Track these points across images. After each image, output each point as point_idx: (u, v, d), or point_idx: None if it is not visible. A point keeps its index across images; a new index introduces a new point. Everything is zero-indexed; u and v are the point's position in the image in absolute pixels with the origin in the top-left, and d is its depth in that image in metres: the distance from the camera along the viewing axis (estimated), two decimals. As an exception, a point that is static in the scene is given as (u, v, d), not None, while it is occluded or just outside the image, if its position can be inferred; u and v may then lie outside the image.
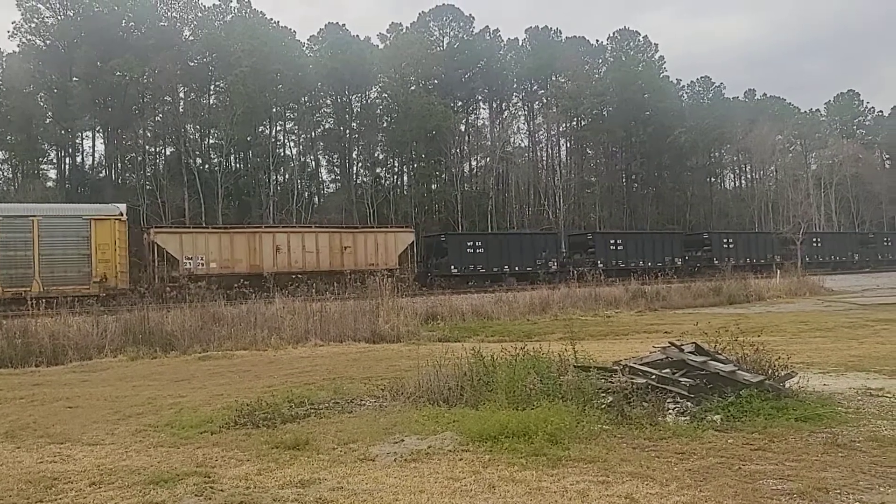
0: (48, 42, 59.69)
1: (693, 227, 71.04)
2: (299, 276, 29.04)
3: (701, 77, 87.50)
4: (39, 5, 59.24)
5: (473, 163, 73.33)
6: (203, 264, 34.85)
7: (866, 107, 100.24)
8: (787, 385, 8.37)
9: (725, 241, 56.64)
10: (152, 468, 6.24)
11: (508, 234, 55.39)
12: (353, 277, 27.74)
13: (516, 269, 44.96)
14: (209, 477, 5.87)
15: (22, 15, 58.96)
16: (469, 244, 46.01)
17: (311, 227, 43.06)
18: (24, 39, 59.24)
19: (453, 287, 37.33)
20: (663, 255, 52.13)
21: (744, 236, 61.22)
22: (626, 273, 41.95)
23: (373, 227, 43.18)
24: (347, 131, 68.72)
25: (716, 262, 49.74)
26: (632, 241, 52.52)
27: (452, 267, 43.93)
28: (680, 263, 51.37)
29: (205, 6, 65.78)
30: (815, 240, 59.67)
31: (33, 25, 59.22)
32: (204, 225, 42.65)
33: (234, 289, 21.95)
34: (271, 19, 66.25)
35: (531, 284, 36.94)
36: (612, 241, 51.89)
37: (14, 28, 58.99)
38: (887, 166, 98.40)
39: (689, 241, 56.67)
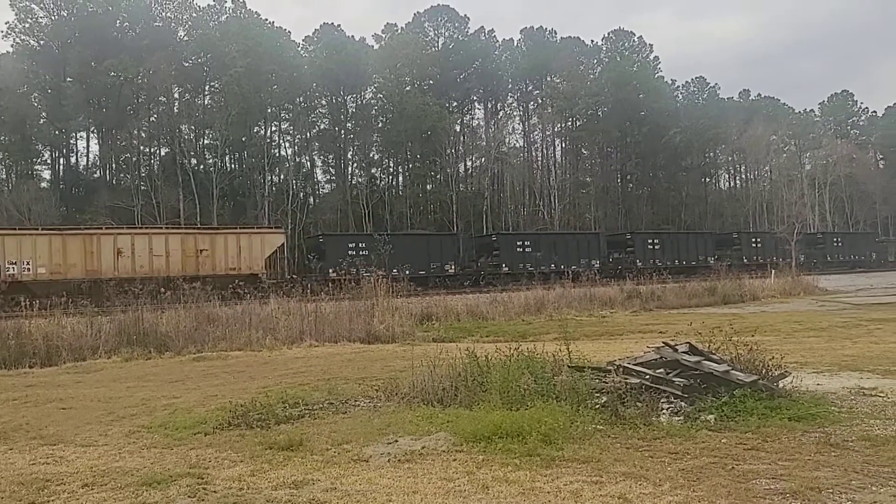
0: (42, 42, 59.61)
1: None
2: (145, 282, 27.11)
3: (695, 77, 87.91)
4: (33, 5, 59.15)
5: (468, 163, 73.39)
6: (29, 269, 32.46)
7: (860, 107, 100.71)
8: (781, 385, 8.39)
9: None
10: (145, 469, 6.22)
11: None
12: (213, 284, 26.30)
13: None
14: (202, 478, 5.86)
15: (16, 15, 58.96)
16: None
17: (161, 227, 40.99)
18: (17, 40, 59.25)
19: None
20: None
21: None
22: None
23: (235, 228, 40.09)
24: (342, 132, 68.70)
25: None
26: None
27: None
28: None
29: (199, 6, 65.84)
30: (754, 240, 57.67)
31: (27, 26, 59.13)
32: (34, 226, 39.20)
33: (63, 297, 19.56)
34: (266, 20, 66.27)
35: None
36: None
37: (8, 28, 59.09)
38: (881, 166, 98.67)
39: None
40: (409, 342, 18.02)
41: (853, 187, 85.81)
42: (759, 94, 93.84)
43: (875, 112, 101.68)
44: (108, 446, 7.28)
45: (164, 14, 64.53)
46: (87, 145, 63.10)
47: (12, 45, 59.43)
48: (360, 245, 42.96)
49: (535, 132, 77.61)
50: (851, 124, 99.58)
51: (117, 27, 61.44)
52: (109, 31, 59.72)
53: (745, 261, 52.70)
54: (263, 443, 7.00)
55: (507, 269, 45.44)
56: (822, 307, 27.84)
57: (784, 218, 66.35)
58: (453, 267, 45.97)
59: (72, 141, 61.92)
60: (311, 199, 67.59)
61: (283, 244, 39.59)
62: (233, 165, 64.35)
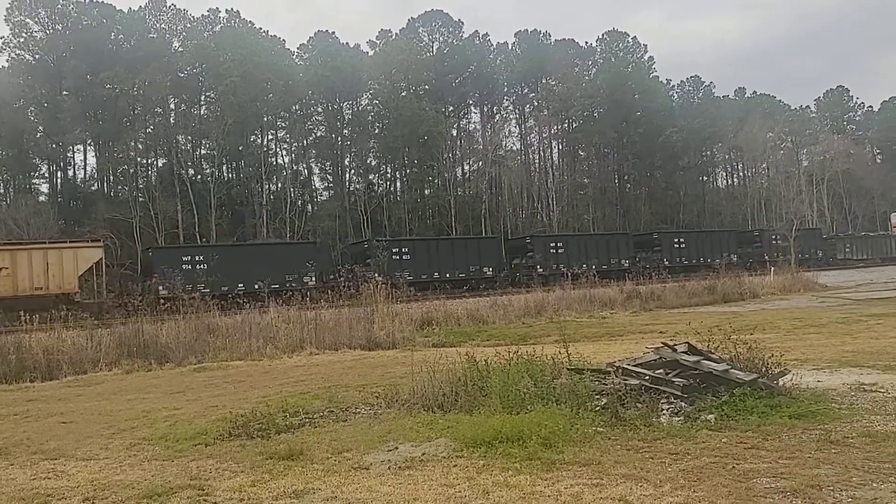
0: (37, 56, 59.70)
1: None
2: None
3: (690, 76, 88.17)
4: (28, 20, 59.26)
5: (466, 167, 73.53)
6: None
7: (856, 102, 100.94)
8: (781, 383, 8.38)
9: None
10: (146, 482, 6.21)
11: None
12: (13, 306, 24.03)
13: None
14: (203, 489, 5.86)
15: (10, 30, 59.11)
16: (552, 245, 48.77)
17: None
18: (13, 54, 59.35)
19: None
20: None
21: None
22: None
23: (43, 242, 34.83)
24: (339, 138, 68.78)
25: (766, 258, 53.36)
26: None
27: (539, 267, 46.14)
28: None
29: (193, 17, 65.95)
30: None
31: (22, 40, 59.26)
32: None
33: None
34: (260, 29, 66.49)
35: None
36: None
37: (3, 43, 59.18)
38: (878, 161, 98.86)
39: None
40: (410, 348, 18.01)
41: (851, 183, 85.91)
42: (755, 92, 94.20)
43: (871, 107, 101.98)
44: (108, 459, 7.27)
45: (158, 26, 64.68)
46: (85, 158, 63.25)
47: (8, 60, 59.66)
48: (197, 258, 38.16)
49: (532, 135, 77.82)
50: (848, 120, 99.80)
51: (112, 39, 61.53)
52: (104, 44, 59.81)
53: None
54: (264, 453, 6.99)
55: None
56: (822, 303, 27.83)
57: (783, 215, 66.50)
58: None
59: (69, 154, 62.03)
60: (310, 207, 67.62)
61: (100, 259, 34.07)
62: (230, 175, 64.42)
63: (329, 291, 26.47)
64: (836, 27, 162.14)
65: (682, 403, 7.76)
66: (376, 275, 42.14)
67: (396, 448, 6.89)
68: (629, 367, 8.41)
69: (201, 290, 29.62)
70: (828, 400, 8.12)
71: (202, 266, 37.40)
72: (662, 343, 9.13)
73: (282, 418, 8.66)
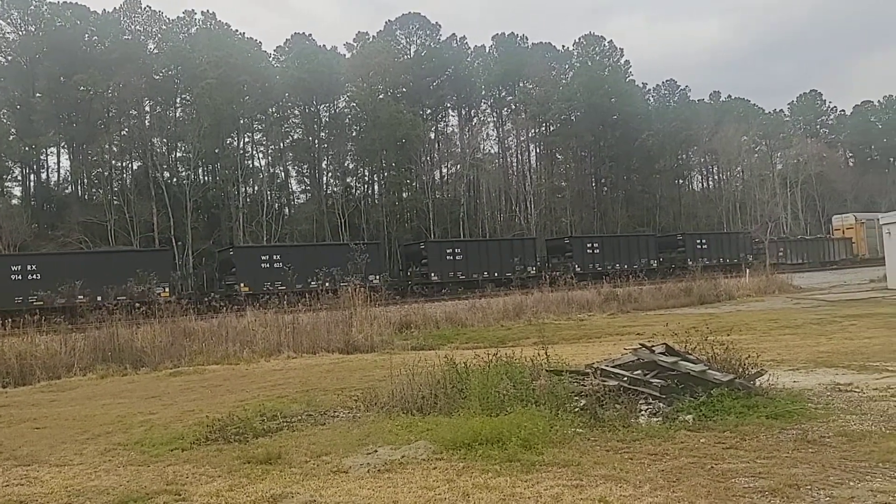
0: (10, 58, 58.90)
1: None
2: None
3: (666, 80, 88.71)
4: (0, 21, 58.43)
5: (444, 170, 73.53)
6: None
7: (829, 106, 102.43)
8: (757, 383, 8.45)
9: (699, 242, 59.06)
10: (122, 488, 6.13)
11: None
12: None
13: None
14: (180, 495, 5.79)
15: (-18, 32, 58.14)
16: (588, 245, 51.80)
17: None
18: (-15, 56, 58.38)
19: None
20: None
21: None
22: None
23: None
24: (316, 141, 68.48)
25: (689, 263, 52.37)
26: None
27: (576, 266, 48.37)
28: (655, 264, 54.01)
29: (169, 19, 65.36)
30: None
31: (-6, 42, 58.39)
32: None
33: None
34: (236, 31, 65.96)
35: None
36: (698, 241, 57.29)
37: (-26, 45, 58.14)
38: (851, 164, 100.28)
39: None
40: (388, 351, 17.93)
41: (824, 185, 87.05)
42: (730, 96, 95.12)
43: (843, 111, 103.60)
44: (83, 465, 7.16)
45: (133, 27, 64.00)
46: (58, 161, 62.33)
47: (-21, 62, 58.72)
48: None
49: (510, 138, 77.93)
50: (821, 123, 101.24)
51: (86, 41, 60.82)
52: (78, 46, 59.10)
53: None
54: (241, 457, 6.93)
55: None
56: (796, 305, 28.11)
57: (757, 217, 67.26)
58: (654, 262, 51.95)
59: (42, 157, 61.09)
60: (287, 210, 67.25)
61: None
62: (206, 178, 63.87)
63: (307, 295, 26.38)
64: (809, 33, 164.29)
65: (661, 404, 7.80)
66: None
67: (375, 451, 6.85)
68: (607, 369, 8.44)
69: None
70: (804, 400, 8.20)
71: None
72: (640, 344, 9.16)
73: (259, 422, 8.59)
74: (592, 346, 16.31)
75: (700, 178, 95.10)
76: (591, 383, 8.02)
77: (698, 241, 57.52)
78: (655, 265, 52.20)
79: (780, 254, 61.40)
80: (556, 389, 7.93)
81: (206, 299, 28.49)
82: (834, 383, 9.25)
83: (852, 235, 71.16)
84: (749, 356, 8.76)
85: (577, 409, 7.66)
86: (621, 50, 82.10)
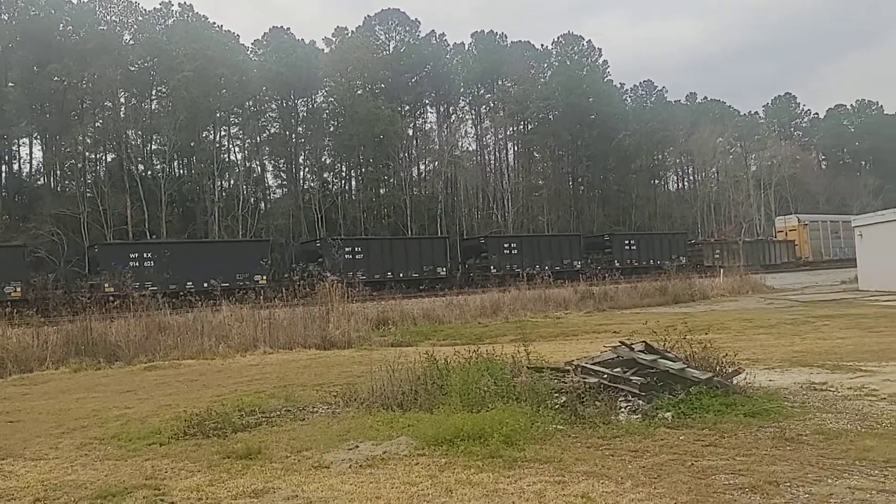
0: (-19, 46, 57.87)
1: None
2: None
3: (644, 81, 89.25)
4: (-28, 9, 57.40)
5: (422, 167, 73.40)
6: None
7: (803, 109, 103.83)
8: (735, 381, 8.53)
9: (628, 243, 57.49)
10: (99, 482, 6.06)
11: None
12: None
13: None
14: (159, 489, 5.73)
15: (-46, 19, 57.07)
16: (505, 246, 49.51)
17: None
18: (-44, 44, 57.30)
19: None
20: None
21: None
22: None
23: None
24: (293, 136, 68.06)
25: (617, 264, 51.44)
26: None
27: (492, 267, 46.43)
28: (579, 265, 50.91)
29: (145, 10, 64.56)
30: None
31: (-35, 29, 57.31)
32: None
33: None
34: (214, 23, 65.35)
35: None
36: (626, 242, 55.61)
37: (-55, 32, 57.06)
38: (824, 167, 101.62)
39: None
40: (366, 347, 17.95)
41: (797, 188, 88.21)
42: (706, 98, 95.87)
43: (817, 114, 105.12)
44: (59, 459, 7.07)
45: (108, 18, 63.11)
46: (31, 152, 61.34)
47: (-50, 50, 57.62)
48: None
49: (488, 136, 78.04)
50: (795, 126, 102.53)
51: (60, 31, 59.86)
52: (52, 35, 58.12)
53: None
54: (221, 452, 6.87)
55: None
56: (770, 305, 28.44)
57: (731, 218, 67.97)
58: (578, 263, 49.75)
59: (14, 147, 60.10)
60: (263, 205, 66.76)
61: None
62: (181, 171, 63.18)
63: (283, 290, 26.11)
64: (784, 37, 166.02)
65: (640, 401, 7.85)
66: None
67: (357, 447, 6.83)
68: (588, 366, 8.48)
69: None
70: (780, 398, 8.29)
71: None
72: (620, 342, 9.21)
73: (238, 417, 8.53)
74: (570, 344, 16.39)
75: (675, 178, 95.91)
76: (571, 380, 8.07)
77: (626, 242, 55.58)
78: (579, 266, 48.55)
79: (717, 256, 58.01)
80: (536, 386, 7.96)
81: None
82: (809, 382, 9.37)
83: (795, 238, 68.70)
84: (726, 355, 8.84)
85: (557, 406, 7.69)
86: (599, 50, 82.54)
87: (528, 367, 8.67)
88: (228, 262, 38.28)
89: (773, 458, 5.95)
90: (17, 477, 6.46)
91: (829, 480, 5.36)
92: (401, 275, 43.99)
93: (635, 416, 7.53)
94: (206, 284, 33.85)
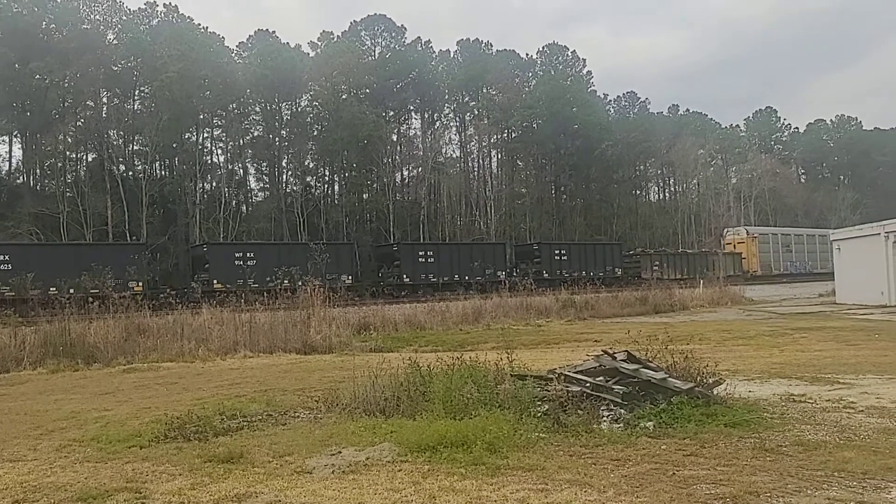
0: (-37, 43, 57.19)
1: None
2: None
3: (627, 92, 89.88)
4: (-46, 5, 56.78)
5: (405, 172, 73.40)
6: None
7: (783, 123, 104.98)
8: (716, 392, 8.59)
9: (557, 253, 56.13)
10: (80, 484, 6.00)
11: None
12: None
13: (466, 278, 45.63)
14: (140, 492, 5.69)
15: (-65, 14, 56.39)
16: (420, 253, 47.05)
17: None
18: (-64, 39, 56.60)
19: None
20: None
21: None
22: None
23: None
24: (277, 139, 67.81)
25: (545, 275, 50.21)
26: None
27: (405, 276, 45.11)
28: (503, 276, 48.11)
29: (130, 10, 64.12)
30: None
31: (-53, 25, 56.65)
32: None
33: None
34: (199, 24, 64.99)
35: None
36: (557, 252, 53.98)
37: (-74, 27, 56.36)
38: (803, 181, 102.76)
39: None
40: (347, 352, 17.91)
41: (777, 201, 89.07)
42: (688, 110, 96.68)
43: (797, 128, 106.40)
44: (38, 461, 7.00)
45: (92, 17, 62.57)
46: (10, 150, 60.58)
47: (-70, 45, 56.91)
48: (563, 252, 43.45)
49: (472, 143, 78.06)
50: (775, 140, 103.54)
51: (43, 28, 59.30)
52: (35, 33, 57.58)
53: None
54: (202, 455, 6.83)
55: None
56: (748, 316, 28.69)
57: (712, 230, 68.46)
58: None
59: (-7, 145, 59.47)
60: (244, 208, 66.45)
61: None
62: (163, 172, 62.77)
63: (265, 294, 25.93)
64: (765, 51, 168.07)
65: (622, 410, 7.90)
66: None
67: (339, 452, 6.81)
68: (570, 375, 8.52)
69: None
70: (760, 409, 8.37)
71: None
72: (603, 351, 9.27)
73: (219, 421, 8.50)
74: (551, 352, 16.45)
75: (657, 189, 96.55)
76: (554, 388, 8.09)
77: (557, 252, 53.06)
78: (503, 277, 45.18)
79: (655, 268, 56.95)
80: (519, 394, 7.98)
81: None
82: (788, 394, 9.46)
83: (743, 250, 66.81)
84: (707, 365, 8.90)
85: (540, 414, 7.71)
86: (584, 60, 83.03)
87: (511, 375, 8.68)
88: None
89: (753, 469, 6.00)
90: (-5, 478, 6.39)
91: (809, 491, 5.42)
92: (466, 278, 44.73)
93: (617, 425, 7.57)
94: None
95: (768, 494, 5.34)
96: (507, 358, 9.29)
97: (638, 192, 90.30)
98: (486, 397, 7.96)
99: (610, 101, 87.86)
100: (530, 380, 8.54)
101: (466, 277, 45.01)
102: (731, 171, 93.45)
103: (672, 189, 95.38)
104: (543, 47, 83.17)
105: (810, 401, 9.02)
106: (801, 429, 7.50)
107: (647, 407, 7.89)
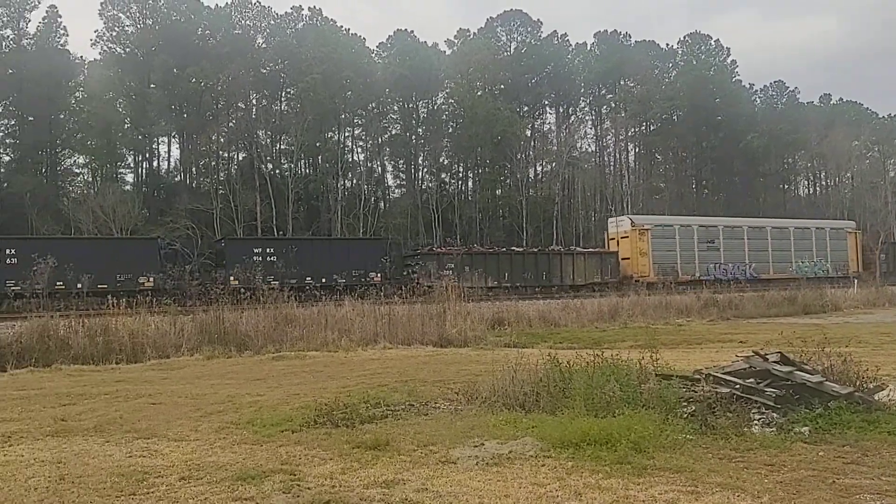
0: (128, 50, 61.82)
1: None
2: None
3: (774, 81, 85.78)
4: (120, 14, 61.43)
5: (539, 168, 73.12)
6: None
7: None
8: (877, 398, 8.07)
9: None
10: (238, 464, 6.34)
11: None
12: None
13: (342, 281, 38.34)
14: (294, 475, 5.95)
15: (104, 24, 61.42)
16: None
17: None
18: (105, 48, 61.63)
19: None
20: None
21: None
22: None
23: None
24: (413, 137, 69.21)
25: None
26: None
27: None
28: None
29: (277, 14, 67.33)
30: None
31: (114, 34, 61.47)
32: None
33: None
34: (342, 27, 67.36)
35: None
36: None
37: (96, 37, 61.47)
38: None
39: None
40: (482, 346, 18.03)
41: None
42: (841, 99, 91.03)
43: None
44: (199, 441, 7.45)
45: (243, 22, 66.19)
46: (169, 150, 65.19)
47: (100, 53, 62.03)
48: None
49: (608, 137, 76.87)
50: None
51: (199, 35, 63.25)
52: (191, 39, 61.53)
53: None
54: (350, 441, 7.06)
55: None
56: (910, 319, 26.70)
57: (868, 227, 64.14)
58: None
59: (154, 145, 64.02)
60: (382, 204, 68.24)
61: None
62: (307, 170, 65.51)
63: (402, 288, 26.21)
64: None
65: (774, 414, 7.54)
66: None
67: (482, 444, 6.87)
68: (719, 375, 8.21)
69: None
70: (929, 418, 7.76)
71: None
72: (753, 352, 8.88)
73: (364, 409, 8.74)
74: (694, 353, 15.90)
75: (807, 183, 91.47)
76: (701, 389, 7.83)
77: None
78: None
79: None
80: (664, 394, 7.77)
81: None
82: (961, 402, 8.73)
83: (625, 248, 46.42)
84: (867, 369, 8.38)
85: (687, 415, 7.49)
86: (728, 49, 79.98)
87: (656, 374, 8.47)
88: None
89: (923, 481, 5.59)
90: (163, 456, 6.86)
91: None
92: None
93: (769, 430, 7.24)
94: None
95: (942, 509, 4.97)
96: (651, 356, 9.07)
97: (786, 186, 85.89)
98: (629, 396, 7.79)
99: (756, 91, 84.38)
100: (675, 379, 8.30)
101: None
102: (888, 164, 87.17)
103: (823, 183, 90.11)
104: (685, 37, 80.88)
105: None
106: (977, 441, 6.91)
107: (802, 411, 7.49)
